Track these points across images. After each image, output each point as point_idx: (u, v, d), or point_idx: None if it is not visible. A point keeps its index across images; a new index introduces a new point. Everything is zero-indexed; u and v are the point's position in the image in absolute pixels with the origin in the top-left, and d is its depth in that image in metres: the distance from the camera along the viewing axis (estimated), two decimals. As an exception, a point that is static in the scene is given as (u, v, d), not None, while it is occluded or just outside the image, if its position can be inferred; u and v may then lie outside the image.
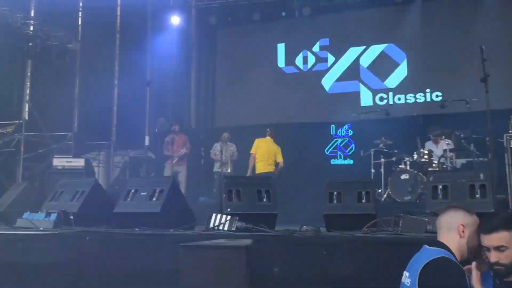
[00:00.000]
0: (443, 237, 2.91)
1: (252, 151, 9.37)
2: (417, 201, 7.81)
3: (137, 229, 5.08)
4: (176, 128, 10.36)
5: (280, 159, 9.27)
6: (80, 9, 13.62)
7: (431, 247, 2.87)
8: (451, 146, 8.20)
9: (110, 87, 13.04)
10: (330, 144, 10.71)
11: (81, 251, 4.88)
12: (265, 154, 9.25)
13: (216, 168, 10.16)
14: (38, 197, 6.58)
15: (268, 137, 9.41)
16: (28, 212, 5.73)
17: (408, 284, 2.80)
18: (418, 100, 11.22)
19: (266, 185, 5.49)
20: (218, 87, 12.79)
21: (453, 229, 2.89)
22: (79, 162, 9.79)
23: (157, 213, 5.17)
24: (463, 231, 2.86)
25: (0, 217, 6.33)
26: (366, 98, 11.54)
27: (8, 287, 4.93)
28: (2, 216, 6.33)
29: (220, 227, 4.94)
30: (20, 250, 5.08)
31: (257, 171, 9.15)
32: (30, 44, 12.00)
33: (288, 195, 8.83)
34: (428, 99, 11.10)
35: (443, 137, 8.46)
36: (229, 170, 9.64)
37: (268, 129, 9.50)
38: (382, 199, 8.35)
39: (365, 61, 11.70)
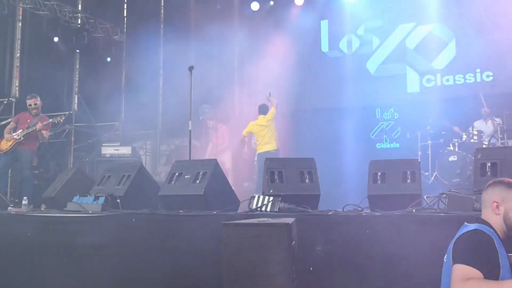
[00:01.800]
0: (483, 214, 2.83)
1: (243, 133, 9.35)
2: (467, 183, 7.61)
3: (181, 211, 5.17)
4: (211, 124, 10.41)
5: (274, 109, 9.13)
6: (125, 1, 13.91)
7: (469, 224, 2.79)
8: (502, 126, 7.93)
9: (155, 77, 13.28)
10: (376, 128, 10.54)
11: (127, 232, 5.02)
12: (259, 134, 9.17)
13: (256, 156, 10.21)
14: (87, 183, 6.78)
15: (259, 116, 9.29)
16: (78, 196, 5.93)
17: (446, 260, 2.76)
18: (467, 81, 10.86)
19: (308, 166, 5.48)
20: (261, 73, 12.77)
21: (488, 206, 2.79)
22: (126, 150, 10.05)
23: (201, 195, 5.23)
24: (497, 207, 2.76)
25: (51, 201, 6.58)
26: (412, 80, 11.26)
27: (59, 266, 5.13)
28: (54, 200, 6.58)
29: (263, 208, 4.96)
30: (70, 231, 5.28)
31: (258, 152, 9.17)
32: (78, 36, 12.36)
33: (333, 179, 8.79)
34: (478, 79, 10.73)
35: (494, 117, 8.18)
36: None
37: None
38: (430, 182, 8.18)
39: (411, 43, 11.40)
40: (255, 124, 9.28)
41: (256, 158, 9.66)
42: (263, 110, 9.29)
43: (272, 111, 9.10)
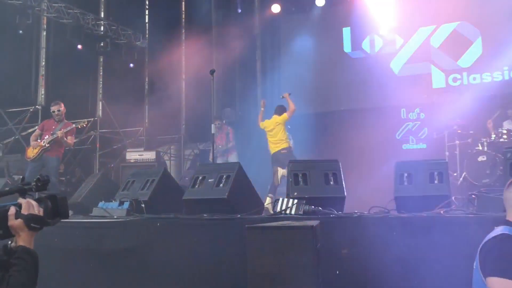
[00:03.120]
0: (508, 215, 2.71)
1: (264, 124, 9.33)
2: (497, 184, 7.45)
3: (205, 214, 5.18)
4: (217, 124, 10.41)
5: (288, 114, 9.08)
6: (147, 7, 14.06)
7: (497, 227, 2.69)
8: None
9: (177, 81, 13.38)
10: (401, 129, 10.43)
11: (152, 237, 5.05)
12: (271, 133, 9.14)
13: None
14: (112, 188, 6.85)
15: (273, 116, 9.27)
16: (103, 202, 5.98)
17: (475, 267, 2.66)
18: (495, 79, 10.66)
19: (333, 168, 5.43)
20: (283, 76, 12.76)
21: (511, 206, 2.68)
22: (151, 155, 10.12)
23: (224, 198, 5.23)
24: None
25: (77, 207, 6.66)
26: (438, 80, 11.11)
27: (86, 270, 5.19)
28: (79, 205, 6.66)
29: (287, 211, 4.94)
30: (96, 236, 5.34)
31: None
32: (101, 44, 12.53)
33: (359, 181, 8.69)
34: (506, 77, 10.53)
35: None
36: None
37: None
38: (458, 183, 8.04)
39: (436, 41, 11.25)
40: (268, 121, 9.28)
41: None
42: (278, 111, 9.27)
43: (284, 116, 9.08)
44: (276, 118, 9.13)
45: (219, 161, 10.12)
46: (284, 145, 8.95)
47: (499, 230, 2.64)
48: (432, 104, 9.79)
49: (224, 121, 10.68)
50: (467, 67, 10.86)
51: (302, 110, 11.42)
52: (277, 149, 8.96)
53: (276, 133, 9.04)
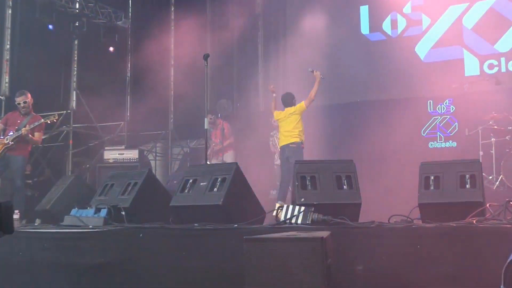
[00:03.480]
0: None
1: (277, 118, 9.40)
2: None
3: (196, 224, 5.17)
4: (211, 119, 10.45)
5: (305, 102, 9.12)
6: (129, -20, 14.05)
7: None
8: None
9: (165, 68, 13.37)
10: (428, 124, 10.43)
11: (134, 250, 5.04)
12: (282, 124, 9.20)
13: (275, 160, 10.28)
14: (87, 192, 6.85)
15: (286, 109, 9.32)
16: (76, 209, 5.99)
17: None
18: (538, 66, 10.67)
19: (346, 169, 5.43)
20: (289, 62, 12.75)
21: None
22: (133, 154, 10.13)
23: (219, 205, 5.23)
24: None
25: (46, 214, 6.66)
26: (471, 66, 11.10)
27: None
28: (48, 213, 6.66)
29: (293, 220, 4.94)
30: (68, 250, 5.34)
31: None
32: (76, 23, 12.52)
33: (377, 185, 8.71)
34: (552, 64, 10.54)
35: None
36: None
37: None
38: (494, 187, 8.04)
39: (469, 22, 11.25)
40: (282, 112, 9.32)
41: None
42: (288, 101, 9.27)
43: (301, 105, 9.06)
44: (289, 110, 9.16)
45: (213, 161, 10.14)
46: (295, 139, 8.96)
47: None
48: (463, 95, 9.77)
49: (219, 115, 10.70)
50: (505, 51, 10.86)
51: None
52: (286, 142, 8.98)
53: (288, 123, 9.05)
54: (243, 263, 3.63)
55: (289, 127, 9.02)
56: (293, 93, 9.38)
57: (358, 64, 11.81)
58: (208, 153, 10.02)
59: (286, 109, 9.20)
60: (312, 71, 9.12)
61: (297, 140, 8.95)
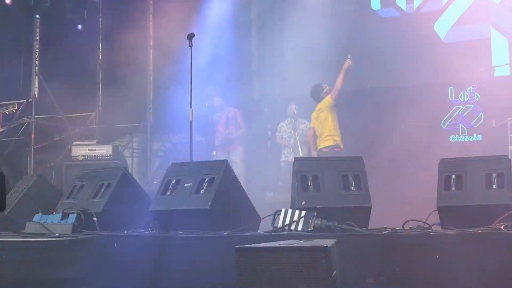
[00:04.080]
0: None
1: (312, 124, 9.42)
2: None
3: (180, 231, 5.19)
4: (218, 101, 10.52)
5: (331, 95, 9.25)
6: None
7: None
8: None
9: (143, 50, 13.33)
10: (449, 114, 10.47)
11: (108, 262, 5.04)
12: (315, 124, 9.26)
13: (283, 156, 10.30)
14: (52, 195, 6.85)
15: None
16: (40, 214, 5.98)
17: None
18: None
19: (354, 167, 5.45)
20: (287, 43, 12.76)
21: None
22: (106, 150, 10.13)
23: (206, 209, 5.25)
24: None
25: (4, 221, 6.64)
26: (500, 47, 11.13)
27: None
28: (7, 220, 6.64)
29: (292, 227, 4.96)
30: (31, 262, 5.32)
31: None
32: (38, -3, 12.50)
33: (390, 186, 8.75)
34: None
35: None
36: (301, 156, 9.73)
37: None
38: (525, 188, 8.08)
39: (497, -5, 11.30)
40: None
41: None
42: (315, 94, 9.41)
43: (327, 100, 9.20)
44: (317, 106, 9.26)
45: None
46: (327, 142, 9.06)
47: None
48: (490, 81, 9.82)
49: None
50: (539, 29, 10.89)
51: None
52: (320, 147, 9.16)
53: (319, 124, 9.21)
54: (234, 276, 3.65)
55: (320, 128, 9.19)
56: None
57: (367, 45, 11.81)
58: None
59: (317, 105, 9.32)
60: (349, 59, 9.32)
61: (330, 143, 9.08)
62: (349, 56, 9.35)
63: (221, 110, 10.66)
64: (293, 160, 9.50)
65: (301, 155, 9.80)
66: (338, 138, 9.24)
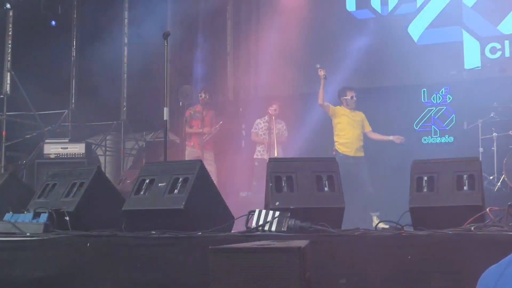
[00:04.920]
0: None
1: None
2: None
3: (154, 232, 5.17)
4: (205, 96, 10.56)
5: (368, 128, 9.34)
6: None
7: None
8: None
9: (117, 47, 13.25)
10: (421, 116, 10.54)
11: (80, 262, 5.01)
12: (348, 131, 9.32)
13: (258, 153, 10.31)
14: (23, 193, 6.77)
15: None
16: (11, 213, 5.90)
17: None
18: (547, 51, 10.86)
19: (328, 168, 5.46)
20: (262, 44, 12.77)
21: None
22: (79, 149, 10.06)
23: (180, 209, 5.22)
24: None
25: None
26: (471, 50, 11.25)
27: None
28: (-23, 219, 6.57)
29: (266, 227, 4.96)
30: (1, 262, 5.27)
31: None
32: (10, -11, 12.34)
33: (363, 187, 8.78)
34: (562, 48, 10.74)
35: None
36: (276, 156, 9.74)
37: (352, 96, 9.60)
38: (495, 189, 8.20)
39: (469, -1, 11.41)
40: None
41: None
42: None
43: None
44: (357, 114, 9.70)
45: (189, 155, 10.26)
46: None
47: None
48: (462, 83, 9.90)
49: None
50: (510, 33, 11.00)
51: (287, 90, 11.48)
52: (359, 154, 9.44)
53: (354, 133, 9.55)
54: (207, 277, 3.65)
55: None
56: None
57: (341, 46, 11.87)
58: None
59: None
60: (319, 68, 9.36)
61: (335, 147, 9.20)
62: (318, 65, 9.39)
63: (203, 107, 10.65)
64: (267, 158, 9.63)
65: (276, 154, 9.81)
66: (337, 143, 9.41)
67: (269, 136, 10.18)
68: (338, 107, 9.62)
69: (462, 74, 9.73)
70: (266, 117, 10.43)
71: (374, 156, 9.78)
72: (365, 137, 9.51)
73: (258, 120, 10.57)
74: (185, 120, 10.86)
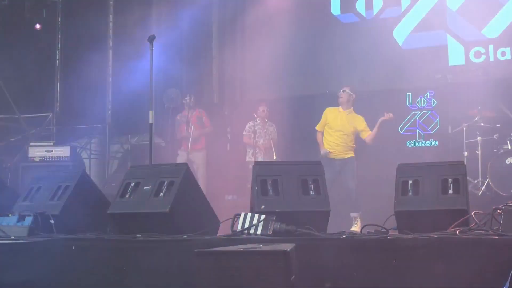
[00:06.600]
0: None
1: (318, 127, 9.45)
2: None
3: (139, 235, 5.16)
4: (189, 100, 10.56)
5: (365, 134, 9.35)
6: None
7: None
8: None
9: (103, 51, 13.22)
10: (406, 120, 10.58)
11: (65, 265, 4.99)
12: (338, 131, 9.31)
13: (249, 156, 10.28)
14: (8, 196, 6.72)
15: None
16: (-5, 216, 5.88)
17: None
18: (530, 55, 10.94)
19: (313, 172, 5.48)
20: (248, 47, 12.78)
21: None
22: (63, 152, 10.02)
23: (166, 213, 5.22)
24: None
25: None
26: (456, 54, 11.31)
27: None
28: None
29: (252, 231, 4.96)
30: (-15, 265, 5.23)
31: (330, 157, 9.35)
32: (-6, -5, 12.29)
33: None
34: (544, 53, 10.82)
35: None
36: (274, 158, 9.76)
37: (343, 89, 9.62)
38: (480, 193, 8.24)
39: (453, 3, 11.45)
40: None
41: None
42: None
43: None
44: (353, 116, 9.74)
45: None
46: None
47: None
48: (447, 87, 9.95)
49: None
50: (494, 37, 11.07)
51: (274, 92, 11.47)
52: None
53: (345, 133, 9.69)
54: (193, 280, 3.64)
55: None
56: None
57: (327, 50, 11.91)
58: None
59: None
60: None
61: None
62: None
63: (189, 109, 10.64)
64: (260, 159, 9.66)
65: (275, 157, 9.83)
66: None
67: (265, 139, 10.19)
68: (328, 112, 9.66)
69: (446, 78, 9.77)
70: (258, 120, 10.42)
71: (358, 159, 9.80)
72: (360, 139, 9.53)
73: (250, 123, 10.52)
74: (177, 124, 10.91)
